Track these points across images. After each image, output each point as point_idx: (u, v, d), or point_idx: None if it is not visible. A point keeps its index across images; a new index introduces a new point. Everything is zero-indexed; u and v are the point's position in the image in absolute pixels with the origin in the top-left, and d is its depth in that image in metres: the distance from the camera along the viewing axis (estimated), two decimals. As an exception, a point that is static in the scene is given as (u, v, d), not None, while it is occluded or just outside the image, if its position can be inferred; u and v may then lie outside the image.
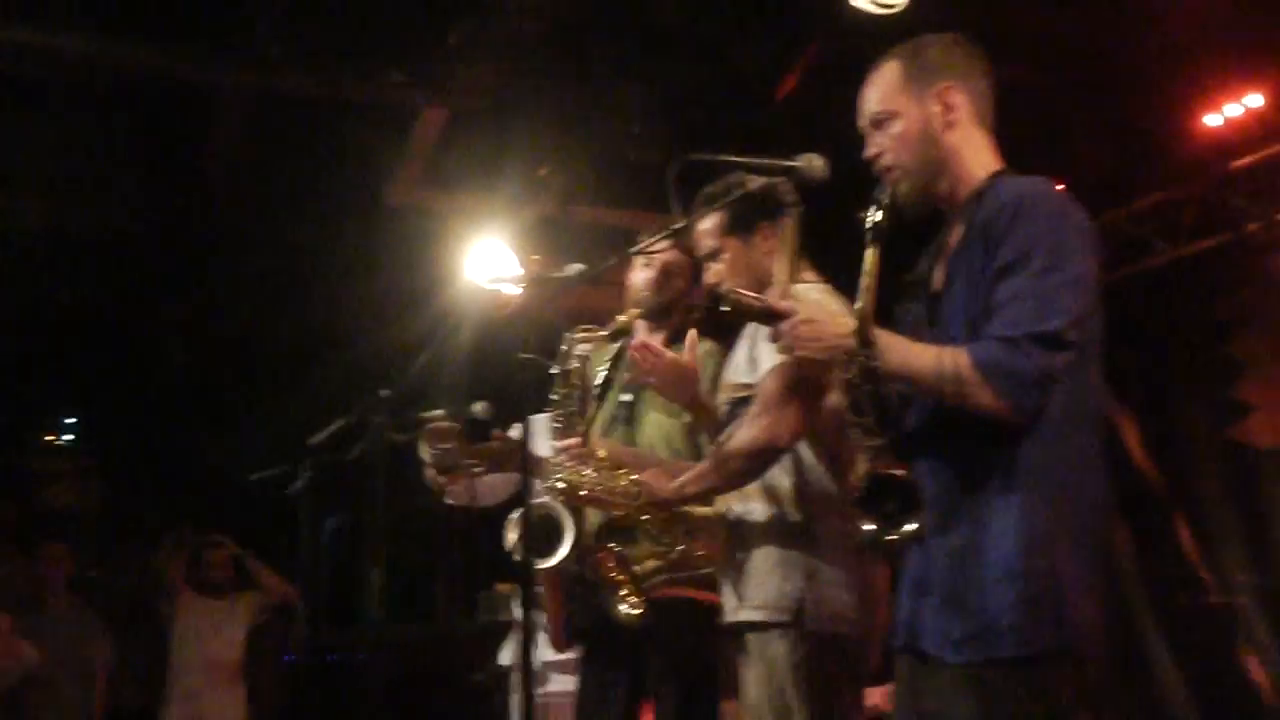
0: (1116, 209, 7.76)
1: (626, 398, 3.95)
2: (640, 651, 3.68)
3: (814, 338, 2.51)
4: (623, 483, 3.52)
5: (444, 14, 5.77)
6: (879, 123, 2.71)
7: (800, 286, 3.30)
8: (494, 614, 6.03)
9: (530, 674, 2.91)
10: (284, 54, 5.59)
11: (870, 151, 2.72)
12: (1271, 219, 7.09)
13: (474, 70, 5.88)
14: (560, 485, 3.53)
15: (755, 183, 3.27)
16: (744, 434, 3.20)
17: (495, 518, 3.92)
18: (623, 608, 3.46)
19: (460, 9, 5.73)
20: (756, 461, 3.22)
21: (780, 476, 3.28)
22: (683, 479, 3.36)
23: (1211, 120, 6.90)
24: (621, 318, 3.87)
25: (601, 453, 3.63)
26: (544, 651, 4.50)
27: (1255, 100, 6.72)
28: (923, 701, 2.55)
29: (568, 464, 3.56)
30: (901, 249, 2.63)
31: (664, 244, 3.18)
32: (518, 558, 3.67)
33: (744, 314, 2.63)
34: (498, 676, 5.76)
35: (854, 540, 3.05)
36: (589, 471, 3.55)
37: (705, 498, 3.42)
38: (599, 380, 4.00)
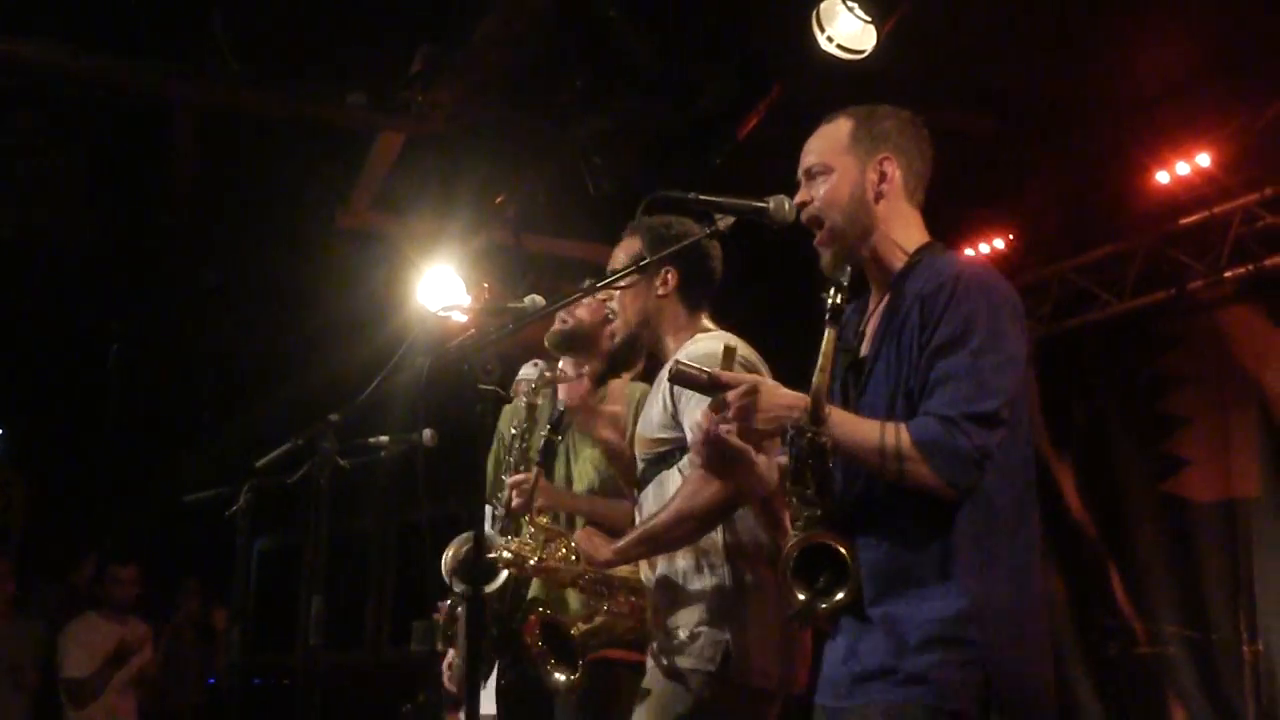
0: (1065, 261, 7.87)
1: (555, 438, 3.97)
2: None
3: (758, 409, 2.53)
4: (561, 551, 3.51)
5: (407, 38, 5.75)
6: (814, 174, 2.79)
7: (700, 336, 3.34)
8: (427, 643, 5.97)
9: (475, 696, 2.86)
10: (244, 71, 5.54)
11: (800, 198, 2.79)
12: (1215, 277, 7.22)
13: (434, 95, 5.86)
14: (506, 556, 3.52)
15: (685, 232, 3.28)
16: (696, 493, 3.14)
17: (433, 547, 3.90)
18: (557, 676, 3.43)
19: (423, 34, 5.71)
20: (712, 520, 3.19)
21: (711, 532, 3.25)
22: (623, 542, 3.32)
23: (1161, 178, 7.01)
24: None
25: (542, 519, 3.63)
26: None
27: (1204, 160, 6.84)
28: None
29: (509, 541, 3.57)
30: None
31: (629, 278, 3.17)
32: (454, 584, 3.67)
33: (689, 384, 2.63)
34: (427, 706, 5.70)
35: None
36: (530, 543, 3.55)
37: (647, 557, 3.39)
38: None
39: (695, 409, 3.11)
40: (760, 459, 2.68)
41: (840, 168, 2.76)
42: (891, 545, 2.56)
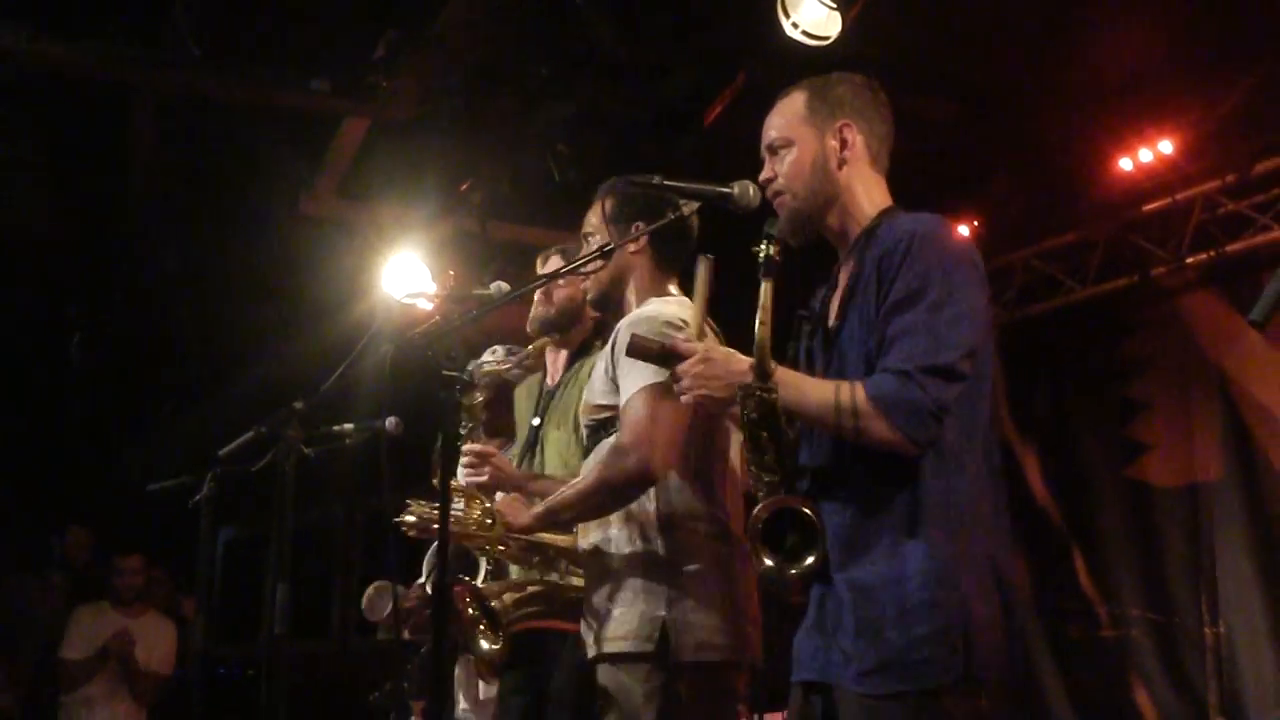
0: (1029, 247, 7.91)
1: (535, 422, 3.96)
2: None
3: (713, 376, 2.52)
4: (476, 513, 3.44)
5: (371, 23, 5.71)
6: (775, 149, 2.79)
7: (675, 298, 3.30)
8: (392, 632, 5.95)
9: (442, 688, 2.86)
10: (205, 56, 5.48)
11: (764, 175, 2.79)
12: (1177, 263, 7.27)
13: (398, 81, 5.82)
14: (409, 519, 3.48)
15: (656, 195, 3.22)
16: (613, 463, 3.09)
17: (397, 535, 3.88)
18: (482, 644, 3.38)
19: (388, 19, 5.68)
20: (626, 493, 3.12)
21: (643, 500, 3.16)
22: (541, 507, 3.26)
23: (1124, 165, 7.06)
24: (532, 348, 3.93)
25: (453, 482, 3.52)
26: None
27: (1166, 147, 6.89)
28: None
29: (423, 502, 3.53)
30: (796, 284, 2.67)
31: (595, 263, 3.15)
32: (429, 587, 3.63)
33: (644, 355, 2.62)
34: (395, 694, 5.68)
35: (725, 560, 3.08)
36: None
37: (567, 526, 3.35)
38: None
39: (632, 376, 3.08)
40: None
41: (800, 139, 2.75)
42: (857, 509, 2.54)
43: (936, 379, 2.45)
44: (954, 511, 2.51)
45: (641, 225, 3.31)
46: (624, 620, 3.11)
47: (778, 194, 2.77)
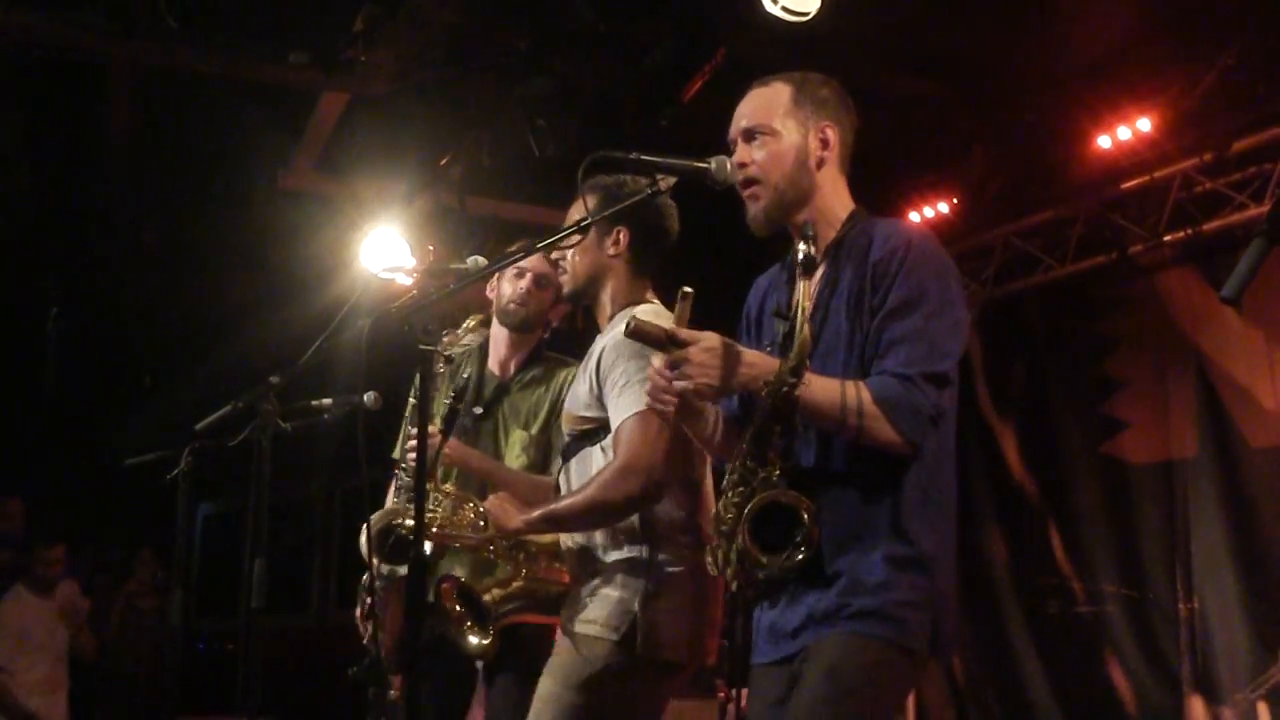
0: (1008, 225, 7.92)
1: (477, 410, 3.97)
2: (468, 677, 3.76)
3: (716, 365, 2.54)
4: (470, 515, 3.50)
5: (350, -3, 5.68)
6: (753, 135, 2.81)
7: (641, 308, 3.31)
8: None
9: (415, 661, 2.87)
10: (182, 28, 5.44)
11: (739, 158, 2.81)
12: (1154, 241, 7.30)
13: (377, 55, 5.79)
14: (408, 524, 3.47)
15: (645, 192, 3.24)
16: (613, 485, 3.13)
17: (374, 510, 3.88)
18: (471, 639, 3.42)
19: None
20: (624, 514, 3.20)
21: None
22: (537, 515, 3.30)
23: (1102, 143, 7.07)
24: (469, 322, 3.97)
25: (448, 485, 3.63)
26: None
27: (1144, 125, 6.90)
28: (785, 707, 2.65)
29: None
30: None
31: (573, 239, 3.14)
32: (378, 563, 3.64)
33: (646, 340, 2.63)
34: (373, 668, 5.68)
35: (701, 570, 3.05)
36: (435, 507, 3.53)
37: (554, 533, 3.41)
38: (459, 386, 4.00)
39: (625, 399, 3.14)
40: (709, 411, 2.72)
41: (784, 130, 2.78)
42: (847, 505, 2.62)
43: (934, 385, 2.58)
44: (932, 507, 2.66)
45: (623, 229, 3.34)
46: (599, 607, 3.19)
47: (751, 181, 2.79)
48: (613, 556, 3.24)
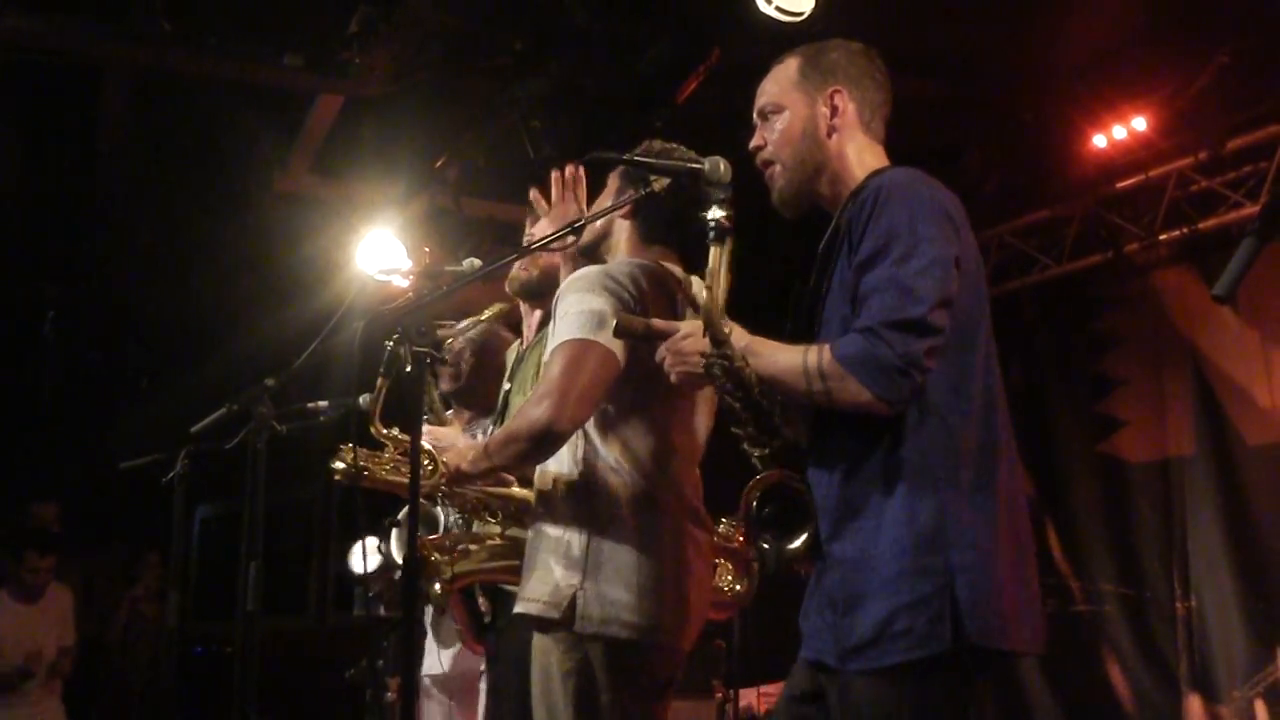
0: (1004, 224, 7.93)
1: (506, 386, 3.94)
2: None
3: (692, 352, 2.50)
4: (425, 463, 3.28)
5: (345, -1, 5.69)
6: (766, 115, 2.75)
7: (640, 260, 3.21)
8: (369, 608, 5.97)
9: (411, 665, 2.87)
10: (177, 31, 5.44)
11: (754, 143, 2.76)
12: (1150, 240, 7.30)
13: (373, 58, 5.79)
14: (339, 465, 3.34)
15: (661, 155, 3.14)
16: (524, 415, 3.01)
17: (374, 512, 3.86)
18: (435, 587, 3.29)
19: (361, -5, 5.65)
20: (535, 445, 3.01)
21: (571, 468, 3.09)
22: (467, 455, 3.18)
23: (1097, 142, 7.08)
24: (488, 313, 3.89)
25: (394, 430, 3.40)
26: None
27: (1139, 124, 6.91)
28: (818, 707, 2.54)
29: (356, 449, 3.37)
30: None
31: (566, 239, 3.13)
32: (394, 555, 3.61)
33: (630, 335, 2.62)
34: (371, 671, 5.70)
35: (652, 535, 3.00)
36: (384, 455, 3.37)
37: (487, 476, 3.26)
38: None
39: (558, 332, 3.02)
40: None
41: (790, 105, 2.71)
42: (841, 476, 2.49)
43: (904, 333, 2.37)
44: (939, 472, 2.43)
45: (630, 193, 3.23)
46: (541, 581, 3.04)
47: (767, 163, 2.73)
48: (557, 515, 3.09)
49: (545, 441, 2.99)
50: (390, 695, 5.26)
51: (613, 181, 3.34)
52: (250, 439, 3.68)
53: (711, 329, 2.40)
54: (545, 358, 3.06)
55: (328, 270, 6.95)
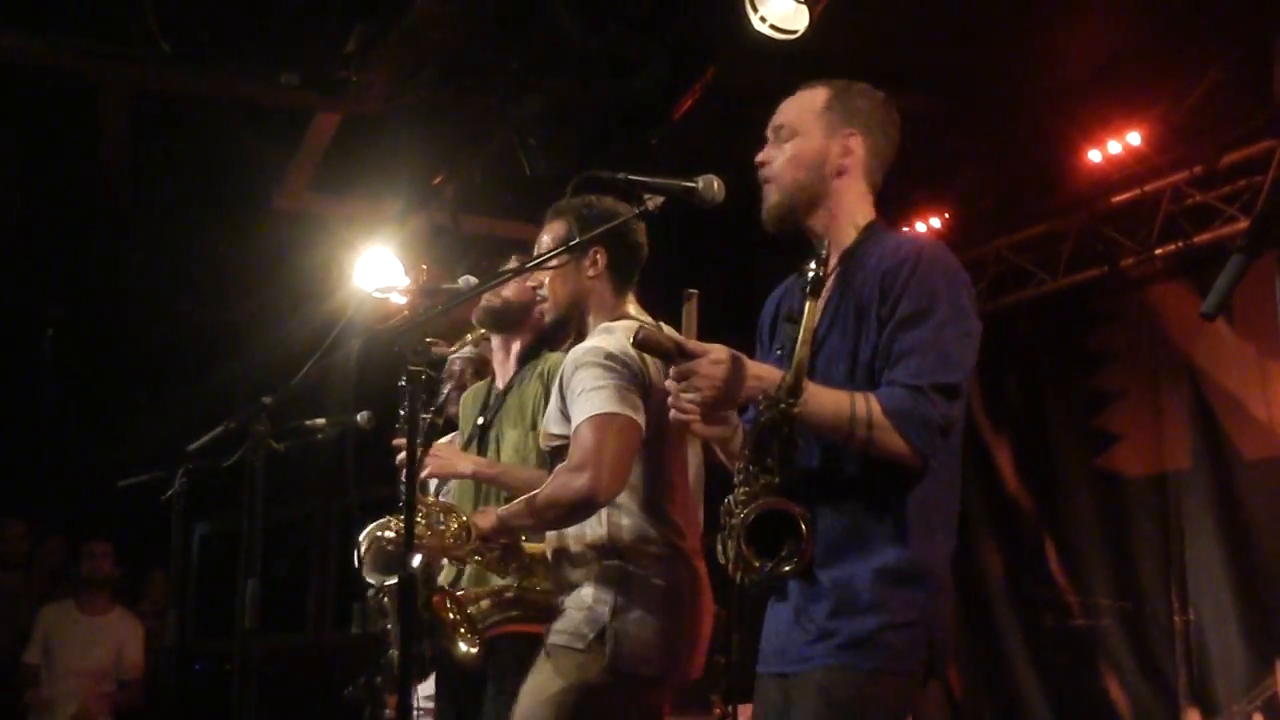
0: (1000, 239, 7.95)
1: (480, 421, 3.98)
2: (477, 691, 3.71)
3: (725, 378, 2.52)
4: (454, 526, 3.47)
5: (341, 17, 5.70)
6: (779, 131, 2.82)
7: (621, 324, 3.32)
8: (367, 626, 5.96)
9: (409, 682, 2.87)
10: (175, 50, 5.46)
11: (760, 157, 2.83)
12: (1146, 254, 7.32)
13: (369, 75, 5.82)
14: (389, 535, 3.50)
15: (611, 211, 3.28)
16: (564, 484, 3.15)
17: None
18: (461, 646, 3.41)
19: (358, 13, 5.66)
20: (574, 513, 3.20)
21: (593, 523, 3.27)
22: (495, 517, 3.34)
23: (1093, 156, 7.10)
24: (469, 336, 3.96)
25: (430, 498, 3.63)
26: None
27: (1134, 139, 6.93)
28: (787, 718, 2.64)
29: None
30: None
31: (559, 259, 3.15)
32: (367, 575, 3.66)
33: (653, 351, 2.64)
34: (369, 688, 5.69)
35: (675, 581, 3.19)
36: (420, 520, 3.46)
37: (519, 534, 3.42)
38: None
39: (580, 405, 3.14)
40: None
41: (806, 132, 2.79)
42: (847, 514, 2.61)
43: (944, 397, 2.55)
44: (932, 518, 2.62)
45: (600, 250, 3.36)
46: (570, 618, 3.21)
47: (766, 179, 2.80)
48: (585, 568, 3.25)
49: (585, 509, 3.17)
50: (388, 713, 5.26)
51: (559, 227, 3.41)
52: (248, 456, 3.69)
53: (797, 381, 2.49)
54: (571, 431, 3.17)
55: (325, 287, 6.96)
